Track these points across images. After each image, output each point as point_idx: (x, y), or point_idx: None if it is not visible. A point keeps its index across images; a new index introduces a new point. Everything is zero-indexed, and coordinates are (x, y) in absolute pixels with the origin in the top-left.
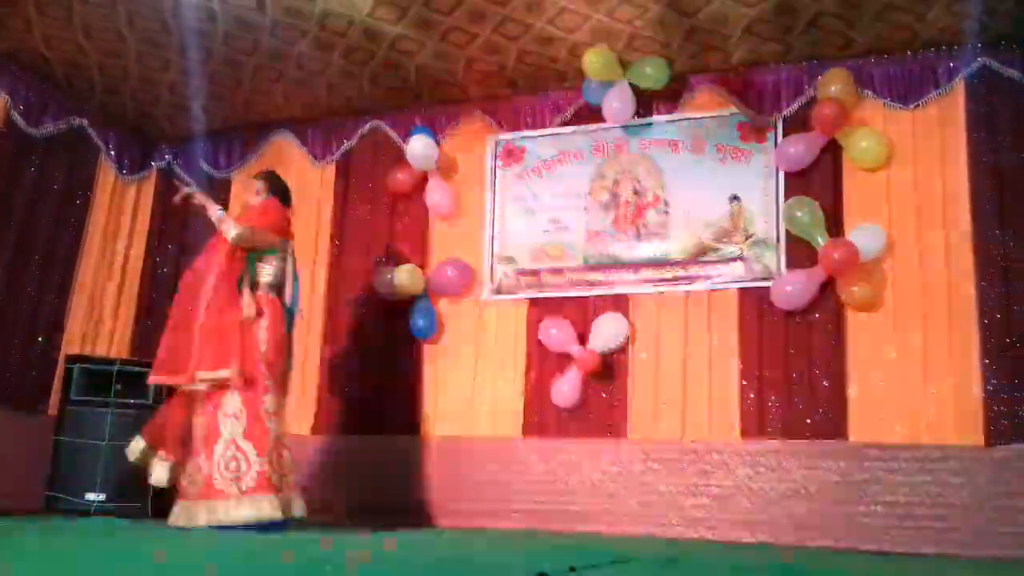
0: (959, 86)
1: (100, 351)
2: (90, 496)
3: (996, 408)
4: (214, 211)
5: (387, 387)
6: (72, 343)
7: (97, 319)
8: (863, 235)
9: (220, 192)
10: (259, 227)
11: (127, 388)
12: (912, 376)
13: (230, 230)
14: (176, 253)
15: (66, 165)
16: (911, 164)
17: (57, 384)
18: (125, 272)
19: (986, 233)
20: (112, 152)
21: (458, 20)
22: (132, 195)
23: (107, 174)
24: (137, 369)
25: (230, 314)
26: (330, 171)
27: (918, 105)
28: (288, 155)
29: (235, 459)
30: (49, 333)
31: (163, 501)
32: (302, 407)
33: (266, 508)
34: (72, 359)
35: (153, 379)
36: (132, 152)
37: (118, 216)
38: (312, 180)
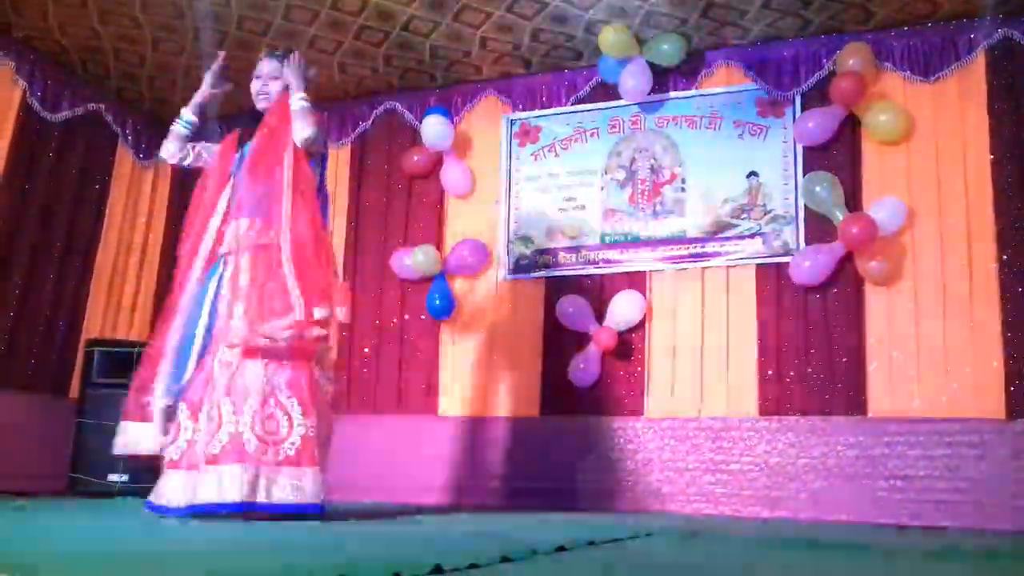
0: (980, 58)
1: (120, 334)
2: (113, 477)
3: (1017, 382)
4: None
5: (404, 367)
6: (92, 326)
7: (117, 303)
8: (882, 209)
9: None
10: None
11: None
12: (932, 350)
13: (307, 127)
14: None
15: (84, 151)
16: (931, 137)
17: (78, 367)
18: (144, 256)
19: (1008, 206)
20: (129, 137)
21: None
22: (150, 179)
23: (124, 159)
24: None
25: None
26: (345, 153)
27: (938, 78)
28: None
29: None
30: (69, 317)
31: None
32: None
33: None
34: (92, 343)
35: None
36: (149, 137)
37: (136, 200)
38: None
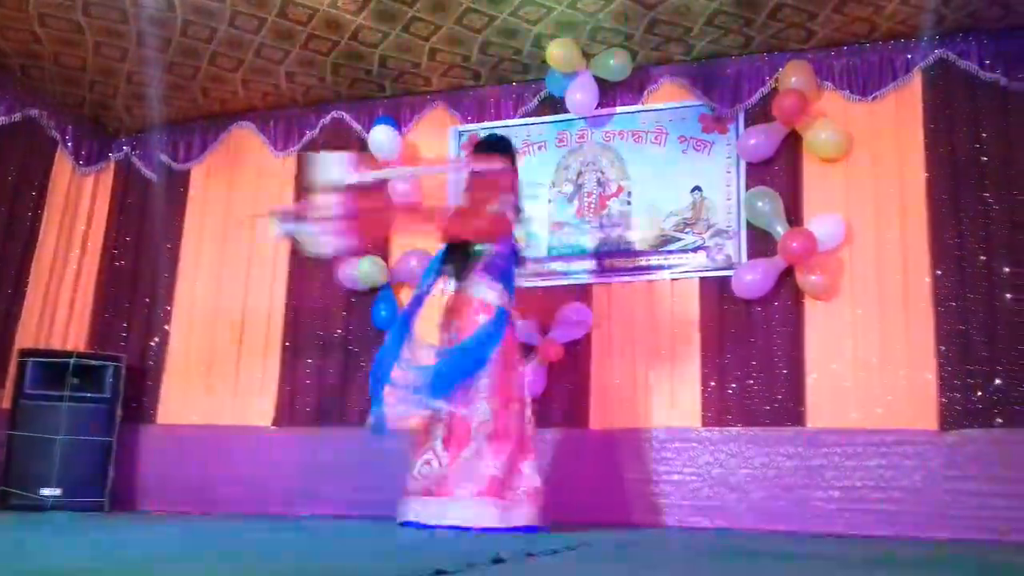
0: (916, 77)
1: (55, 344)
2: (46, 491)
3: (949, 394)
4: None
5: (349, 378)
6: (26, 336)
7: (52, 312)
8: (822, 225)
9: (179, 186)
10: None
11: (83, 381)
12: (868, 363)
13: None
14: (134, 245)
15: (21, 156)
16: (869, 155)
17: (11, 378)
18: (82, 264)
19: (942, 223)
20: (69, 143)
21: (420, 11)
22: (89, 187)
23: (63, 166)
24: (93, 362)
25: None
26: (291, 162)
27: (876, 96)
28: (249, 146)
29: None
30: (2, 326)
31: (120, 496)
32: (263, 399)
33: None
34: (26, 352)
35: None
36: (89, 144)
37: (75, 208)
38: (273, 171)
